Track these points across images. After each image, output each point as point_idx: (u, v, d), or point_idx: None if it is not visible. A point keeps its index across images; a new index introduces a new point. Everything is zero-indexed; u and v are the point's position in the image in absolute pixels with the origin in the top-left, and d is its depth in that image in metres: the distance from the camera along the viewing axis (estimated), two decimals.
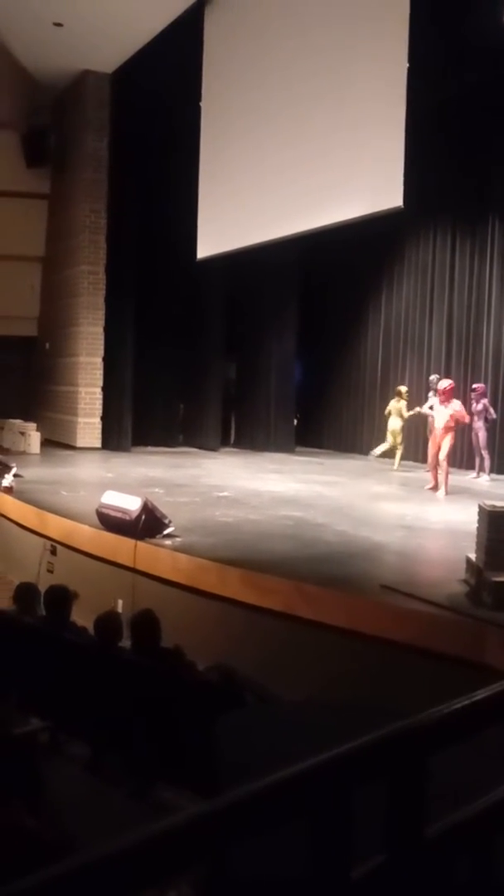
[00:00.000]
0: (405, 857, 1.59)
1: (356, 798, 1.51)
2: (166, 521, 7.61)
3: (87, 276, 15.39)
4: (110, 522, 7.80)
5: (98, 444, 15.49)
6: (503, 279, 13.20)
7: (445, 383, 11.16)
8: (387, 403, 15.40)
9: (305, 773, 1.45)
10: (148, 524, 7.48)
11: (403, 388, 13.49)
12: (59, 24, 13.29)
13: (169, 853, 1.28)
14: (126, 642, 5.13)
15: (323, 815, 1.48)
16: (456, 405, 10.98)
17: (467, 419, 11.27)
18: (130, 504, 7.63)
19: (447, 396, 10.94)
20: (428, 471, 11.48)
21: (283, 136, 11.87)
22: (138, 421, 15.75)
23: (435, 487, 11.00)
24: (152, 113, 14.69)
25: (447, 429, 10.85)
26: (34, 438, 14.91)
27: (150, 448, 15.75)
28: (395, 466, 13.26)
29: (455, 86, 12.28)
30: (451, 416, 10.86)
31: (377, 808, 1.58)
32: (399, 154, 9.83)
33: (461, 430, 13.16)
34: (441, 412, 11.00)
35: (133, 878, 1.23)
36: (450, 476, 10.83)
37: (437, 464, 10.99)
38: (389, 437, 13.34)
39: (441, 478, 10.86)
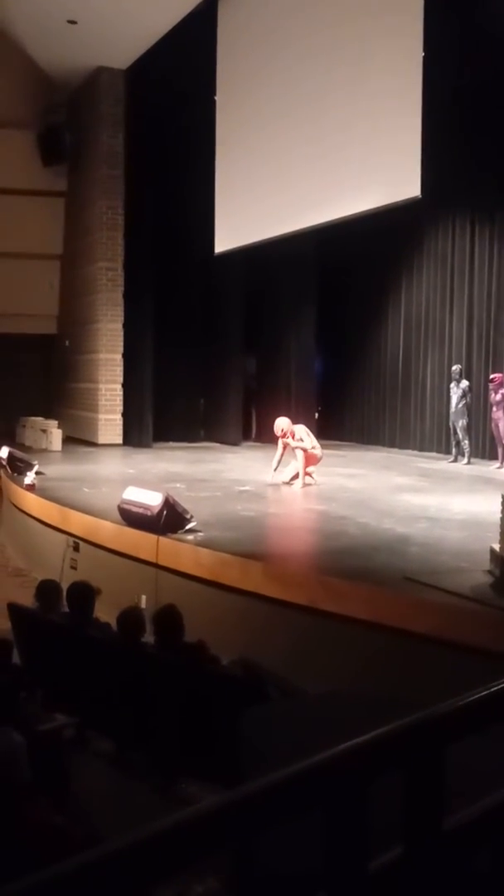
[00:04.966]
0: (423, 850, 1.58)
1: (374, 789, 1.51)
2: (188, 517, 7.62)
3: (105, 273, 15.43)
4: (132, 518, 7.83)
5: (119, 440, 15.53)
6: None
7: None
8: (409, 395, 15.31)
9: (323, 765, 1.46)
10: (170, 519, 7.49)
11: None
12: (72, 22, 13.34)
13: (190, 843, 1.29)
14: (149, 637, 5.15)
15: (340, 807, 1.48)
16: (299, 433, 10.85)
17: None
18: (152, 500, 7.65)
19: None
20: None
21: (300, 128, 11.83)
22: (159, 417, 15.76)
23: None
24: (167, 108, 14.69)
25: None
26: (55, 436, 14.99)
27: (171, 443, 15.77)
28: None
29: (471, 74, 12.18)
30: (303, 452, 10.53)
31: (395, 800, 1.58)
32: (416, 144, 9.78)
33: (480, 419, 13.08)
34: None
35: (155, 867, 1.24)
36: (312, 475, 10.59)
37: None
38: None
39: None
